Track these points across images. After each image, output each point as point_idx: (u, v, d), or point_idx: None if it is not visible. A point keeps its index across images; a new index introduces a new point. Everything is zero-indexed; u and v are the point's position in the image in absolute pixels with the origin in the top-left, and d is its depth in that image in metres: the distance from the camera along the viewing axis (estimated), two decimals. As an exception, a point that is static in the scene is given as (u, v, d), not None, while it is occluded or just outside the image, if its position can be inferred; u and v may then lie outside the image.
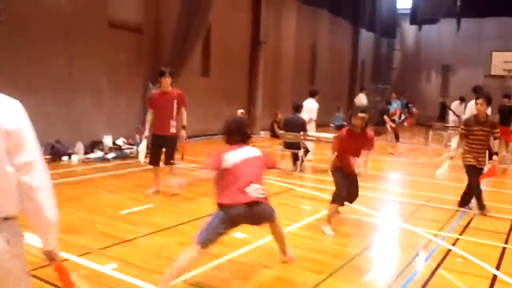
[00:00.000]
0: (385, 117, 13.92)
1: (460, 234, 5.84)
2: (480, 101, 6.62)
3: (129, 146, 11.25)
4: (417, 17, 25.36)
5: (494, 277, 4.47)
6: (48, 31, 9.98)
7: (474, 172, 6.71)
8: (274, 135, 15.17)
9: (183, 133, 7.39)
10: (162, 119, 7.11)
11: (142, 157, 7.33)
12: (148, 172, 7.81)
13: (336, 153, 5.77)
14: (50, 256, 2.20)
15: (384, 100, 16.21)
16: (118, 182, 8.01)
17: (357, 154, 5.70)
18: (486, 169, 6.85)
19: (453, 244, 5.42)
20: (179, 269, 3.88)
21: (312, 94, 11.00)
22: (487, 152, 6.89)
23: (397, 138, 15.03)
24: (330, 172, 6.15)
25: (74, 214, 5.92)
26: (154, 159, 7.31)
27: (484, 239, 5.63)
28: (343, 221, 6.28)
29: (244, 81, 17.05)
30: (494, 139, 6.68)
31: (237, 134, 4.29)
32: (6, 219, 2.00)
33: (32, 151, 2.01)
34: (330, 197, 7.40)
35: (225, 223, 4.00)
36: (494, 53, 24.61)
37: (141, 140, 11.44)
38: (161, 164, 7.38)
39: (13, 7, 9.10)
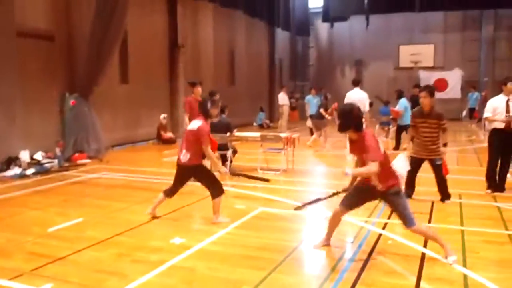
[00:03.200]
0: (321, 110, 14.28)
1: (388, 218, 6.17)
2: (423, 94, 6.80)
3: (49, 160, 10.71)
4: (328, 15, 26.23)
5: (423, 255, 4.79)
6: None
7: (414, 163, 6.89)
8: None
9: None
10: None
11: None
12: (75, 185, 7.48)
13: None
14: None
15: (322, 96, 16.57)
16: (42, 198, 7.61)
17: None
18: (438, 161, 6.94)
19: (383, 228, 5.72)
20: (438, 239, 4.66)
21: (211, 95, 11.28)
22: (439, 143, 6.93)
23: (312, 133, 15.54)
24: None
25: (-1, 236, 5.57)
26: None
27: (410, 221, 5.98)
28: (275, 216, 6.42)
29: (165, 85, 16.82)
30: (441, 131, 6.82)
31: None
32: None
33: None
34: (263, 195, 7.57)
35: None
36: (401, 47, 26.11)
37: (62, 152, 11.04)
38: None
39: None
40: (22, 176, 9.53)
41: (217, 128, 9.79)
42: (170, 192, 6.18)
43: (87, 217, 6.35)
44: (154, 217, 6.20)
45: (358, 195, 4.82)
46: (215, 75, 19.91)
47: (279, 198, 7.42)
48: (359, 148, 4.54)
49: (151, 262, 4.60)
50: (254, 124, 22.39)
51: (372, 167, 4.33)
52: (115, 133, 13.93)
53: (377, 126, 16.68)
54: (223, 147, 9.88)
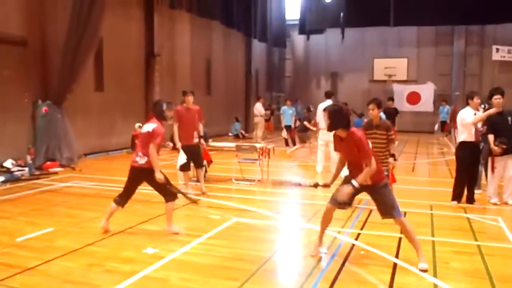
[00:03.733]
0: (305, 123, 14.27)
1: (361, 229, 6.24)
2: (371, 106, 6.98)
3: (20, 168, 10.49)
4: (305, 28, 26.56)
5: (395, 265, 4.84)
6: None
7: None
8: (175, 147, 14.98)
9: (202, 141, 8.84)
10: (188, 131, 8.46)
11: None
12: (46, 194, 7.32)
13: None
14: None
15: (305, 108, 16.59)
16: (11, 207, 7.42)
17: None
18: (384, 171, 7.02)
19: (356, 239, 5.77)
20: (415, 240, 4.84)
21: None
22: (387, 154, 7.06)
23: (294, 143, 15.62)
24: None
25: (-36, 245, 5.41)
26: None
27: (382, 231, 6.06)
28: (250, 227, 6.41)
29: (140, 94, 16.69)
30: (389, 142, 6.98)
31: None
32: None
33: None
34: (237, 205, 7.54)
35: None
36: (375, 60, 26.56)
37: (33, 160, 10.86)
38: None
39: None
40: (-10, 184, 9.31)
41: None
42: (122, 200, 5.91)
43: (58, 226, 6.22)
44: (107, 230, 5.87)
45: None
46: (191, 84, 19.82)
47: (253, 208, 7.41)
48: (346, 146, 4.82)
49: (123, 273, 4.54)
50: (230, 134, 22.38)
51: (373, 165, 4.64)
52: (89, 142, 13.73)
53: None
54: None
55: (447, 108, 21.94)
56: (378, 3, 22.78)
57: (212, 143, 10.80)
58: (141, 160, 5.76)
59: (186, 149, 8.45)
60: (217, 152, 11.34)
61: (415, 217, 6.92)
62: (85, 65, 12.21)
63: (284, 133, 16.59)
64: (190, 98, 8.53)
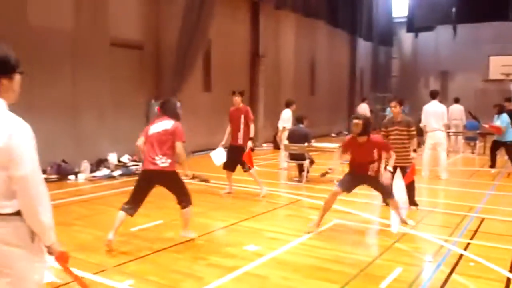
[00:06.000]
0: None
1: (471, 239, 5.87)
2: (393, 103, 7.28)
3: (135, 163, 11.30)
4: (413, 25, 25.53)
5: (508, 280, 4.50)
6: (52, 51, 10.09)
7: (394, 172, 6.61)
8: (277, 147, 15.18)
9: (249, 143, 8.48)
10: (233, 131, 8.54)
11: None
12: (158, 188, 7.77)
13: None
14: (50, 251, 2.37)
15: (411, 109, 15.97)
16: (126, 199, 8.00)
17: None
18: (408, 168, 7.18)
19: (465, 249, 5.44)
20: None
21: (288, 105, 11.29)
22: (410, 150, 7.27)
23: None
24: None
25: (86, 232, 5.97)
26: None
27: (495, 243, 5.65)
28: (350, 229, 6.32)
29: (245, 94, 17.08)
30: (410, 137, 7.19)
31: None
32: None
33: (25, 166, 2.18)
34: (338, 207, 7.47)
35: None
36: (491, 58, 24.73)
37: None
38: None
39: (16, 27, 9.20)
40: (109, 177, 10.15)
41: (294, 137, 9.87)
42: (133, 209, 5.48)
43: (167, 219, 6.62)
44: (111, 249, 5.19)
45: (353, 181, 6.02)
46: (295, 84, 20.02)
47: (354, 211, 7.29)
48: (365, 150, 5.84)
49: (225, 267, 4.72)
50: (333, 134, 22.20)
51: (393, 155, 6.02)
52: (197, 140, 14.38)
53: (462, 141, 15.90)
54: (300, 157, 9.91)
55: None
56: (494, -4, 21.22)
57: (314, 143, 10.77)
58: (162, 163, 5.29)
59: (229, 148, 8.60)
60: (319, 153, 11.29)
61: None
62: (194, 66, 12.85)
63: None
64: (236, 99, 8.59)
